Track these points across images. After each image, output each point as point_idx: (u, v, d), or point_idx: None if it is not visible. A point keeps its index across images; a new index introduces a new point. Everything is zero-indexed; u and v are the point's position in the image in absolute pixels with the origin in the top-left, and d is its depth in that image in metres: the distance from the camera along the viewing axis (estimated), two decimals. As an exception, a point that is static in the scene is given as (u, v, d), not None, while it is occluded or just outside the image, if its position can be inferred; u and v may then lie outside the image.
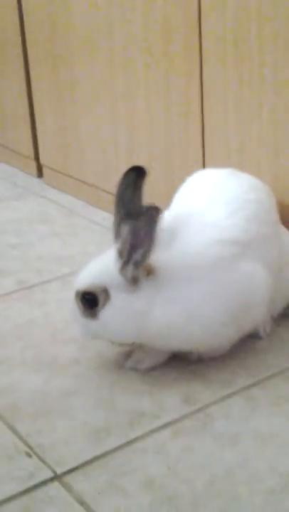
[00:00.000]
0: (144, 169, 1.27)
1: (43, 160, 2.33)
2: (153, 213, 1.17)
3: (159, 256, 1.21)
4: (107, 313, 1.23)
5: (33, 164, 2.39)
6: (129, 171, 1.27)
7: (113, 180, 1.97)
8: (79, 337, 1.33)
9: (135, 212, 1.21)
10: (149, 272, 1.22)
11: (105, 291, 1.22)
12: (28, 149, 2.37)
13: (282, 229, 1.41)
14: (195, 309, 1.21)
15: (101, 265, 1.26)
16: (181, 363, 1.31)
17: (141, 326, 1.22)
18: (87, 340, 1.32)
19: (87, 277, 1.25)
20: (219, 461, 1.07)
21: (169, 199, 1.41)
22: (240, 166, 1.54)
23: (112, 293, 1.22)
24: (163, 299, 1.21)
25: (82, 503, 1.01)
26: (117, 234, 1.23)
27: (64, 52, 2.05)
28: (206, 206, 1.30)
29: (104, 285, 1.22)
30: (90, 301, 1.23)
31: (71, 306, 1.27)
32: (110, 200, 2.00)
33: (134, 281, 1.21)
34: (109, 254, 1.25)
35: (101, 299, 1.22)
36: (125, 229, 1.18)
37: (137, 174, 1.26)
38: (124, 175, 1.27)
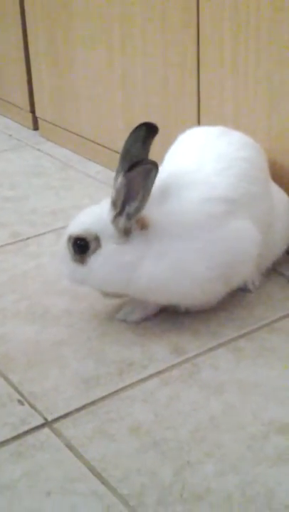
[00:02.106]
0: (155, 126, 1.27)
1: (38, 112, 2.33)
2: (149, 166, 1.18)
3: (151, 211, 1.23)
4: (96, 260, 1.24)
5: (29, 117, 2.39)
6: (141, 126, 1.27)
7: (108, 134, 2.00)
8: (71, 289, 1.36)
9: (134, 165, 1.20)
10: (143, 225, 1.23)
11: (97, 239, 1.24)
12: (24, 102, 2.37)
13: (274, 186, 1.43)
14: (183, 265, 1.23)
15: (95, 213, 1.27)
16: (170, 315, 1.34)
17: (129, 278, 1.24)
18: (72, 285, 1.33)
19: (80, 223, 1.27)
20: (204, 410, 1.11)
21: (163, 154, 1.42)
22: (235, 124, 1.55)
23: (103, 242, 1.24)
24: (153, 254, 1.23)
25: (71, 448, 1.04)
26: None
27: (60, 5, 2.04)
28: (196, 164, 1.31)
29: (96, 233, 1.24)
30: (81, 246, 1.25)
31: (61, 250, 1.29)
32: (105, 153, 2.03)
33: (125, 233, 1.23)
34: (104, 204, 1.26)
35: (92, 245, 1.24)
36: (120, 180, 1.19)
37: (147, 130, 1.27)
38: (134, 129, 1.27)
